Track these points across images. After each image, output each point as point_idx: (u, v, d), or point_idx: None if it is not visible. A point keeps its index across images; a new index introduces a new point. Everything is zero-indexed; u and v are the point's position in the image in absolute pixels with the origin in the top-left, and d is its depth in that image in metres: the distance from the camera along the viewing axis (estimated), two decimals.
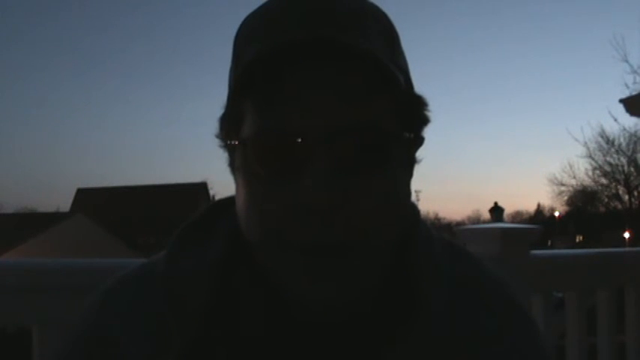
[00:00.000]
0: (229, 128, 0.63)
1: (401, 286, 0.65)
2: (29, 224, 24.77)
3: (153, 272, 0.69)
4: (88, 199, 33.11)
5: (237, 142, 0.62)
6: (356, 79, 0.57)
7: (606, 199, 31.60)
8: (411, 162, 0.66)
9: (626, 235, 29.58)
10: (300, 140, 0.56)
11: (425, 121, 0.65)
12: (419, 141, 0.66)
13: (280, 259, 0.59)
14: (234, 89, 0.59)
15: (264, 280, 0.62)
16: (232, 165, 0.65)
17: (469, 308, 0.68)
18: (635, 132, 24.85)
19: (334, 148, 0.56)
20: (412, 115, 0.64)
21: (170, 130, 69.51)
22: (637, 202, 29.87)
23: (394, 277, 0.65)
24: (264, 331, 0.63)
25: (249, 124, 0.60)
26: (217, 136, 0.66)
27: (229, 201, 0.69)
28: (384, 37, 0.62)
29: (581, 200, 32.51)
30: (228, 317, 0.64)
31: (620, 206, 30.68)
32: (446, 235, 0.77)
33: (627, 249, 4.30)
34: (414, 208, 0.71)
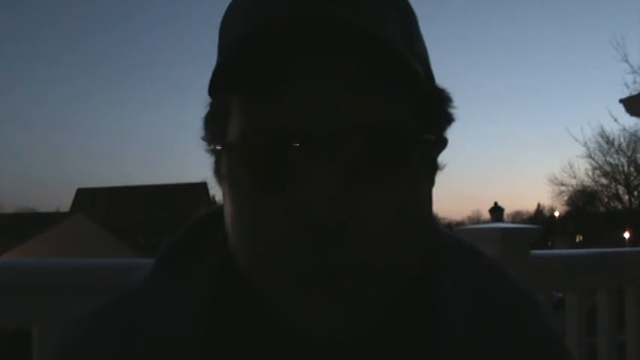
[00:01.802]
0: (213, 129, 0.54)
1: (419, 310, 0.57)
2: (29, 224, 24.77)
3: (136, 303, 0.59)
4: (88, 199, 33.12)
5: (221, 147, 0.52)
6: (366, 70, 0.47)
7: (606, 199, 31.61)
8: (432, 168, 0.56)
9: (626, 235, 29.57)
10: (297, 143, 0.47)
11: (449, 119, 0.56)
12: (442, 143, 0.56)
13: (276, 287, 0.49)
14: (217, 79, 0.48)
15: (260, 307, 0.53)
16: (218, 173, 0.54)
17: (501, 342, 0.58)
18: (635, 132, 24.88)
19: (339, 153, 0.47)
20: (433, 113, 0.54)
21: (170, 130, 69.52)
22: (637, 202, 29.87)
23: (412, 300, 0.56)
24: None
25: (235, 124, 0.50)
26: (203, 139, 0.56)
27: (219, 212, 0.58)
28: (400, 18, 0.53)
29: (581, 200, 32.51)
30: (223, 350, 0.56)
31: (620, 206, 30.67)
32: (468, 243, 0.66)
33: (627, 249, 4.30)
34: (435, 222, 0.61)
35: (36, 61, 63.54)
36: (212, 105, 0.54)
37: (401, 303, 0.54)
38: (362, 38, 0.46)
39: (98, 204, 31.43)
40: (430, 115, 0.54)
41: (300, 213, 0.46)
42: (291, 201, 0.47)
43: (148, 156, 67.94)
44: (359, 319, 0.49)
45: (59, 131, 64.68)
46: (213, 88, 0.48)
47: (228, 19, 0.54)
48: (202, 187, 31.94)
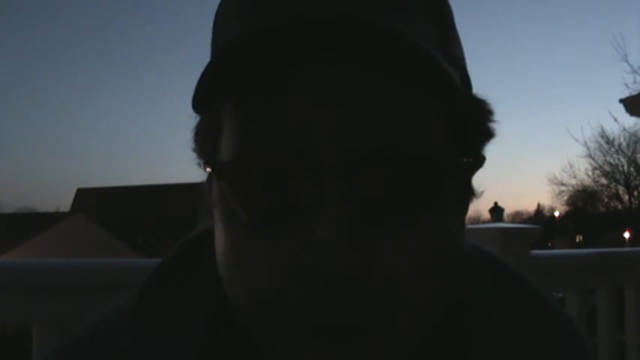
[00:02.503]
0: (203, 143, 0.45)
1: (446, 349, 0.50)
2: (29, 224, 24.79)
3: (113, 336, 0.51)
4: (88, 199, 33.09)
5: (211, 169, 0.44)
6: (389, 81, 0.39)
7: (606, 199, 31.59)
8: (467, 195, 0.47)
9: (626, 235, 29.56)
10: (302, 169, 0.38)
11: (489, 135, 0.46)
12: (479, 163, 0.47)
13: (275, 342, 0.42)
14: (203, 88, 0.39)
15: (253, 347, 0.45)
16: (209, 195, 0.46)
17: None
18: (635, 132, 24.91)
19: (356, 183, 0.38)
20: (472, 130, 0.45)
21: (170, 130, 69.49)
22: (637, 202, 29.87)
23: (440, 340, 0.49)
24: None
25: (227, 140, 0.42)
26: (194, 151, 0.47)
27: (208, 236, 0.50)
28: (431, 14, 0.44)
29: (581, 200, 32.49)
30: None
31: (620, 206, 30.66)
32: (496, 260, 0.59)
33: (627, 249, 4.30)
34: (465, 253, 0.52)
35: (36, 61, 63.56)
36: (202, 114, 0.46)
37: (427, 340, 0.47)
38: (383, 40, 0.37)
39: (98, 204, 31.41)
40: (468, 132, 0.44)
41: (307, 258, 0.38)
42: (295, 243, 0.38)
43: (148, 156, 67.94)
44: None
45: (59, 131, 64.70)
46: (198, 97, 0.40)
47: (222, 15, 0.47)
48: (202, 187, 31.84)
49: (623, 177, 29.40)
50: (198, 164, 0.47)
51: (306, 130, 0.38)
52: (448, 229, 0.42)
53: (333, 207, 0.37)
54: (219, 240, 0.44)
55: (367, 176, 0.38)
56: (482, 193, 0.48)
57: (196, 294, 0.51)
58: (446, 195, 0.41)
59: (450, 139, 0.42)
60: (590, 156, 28.92)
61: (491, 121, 0.46)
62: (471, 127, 0.45)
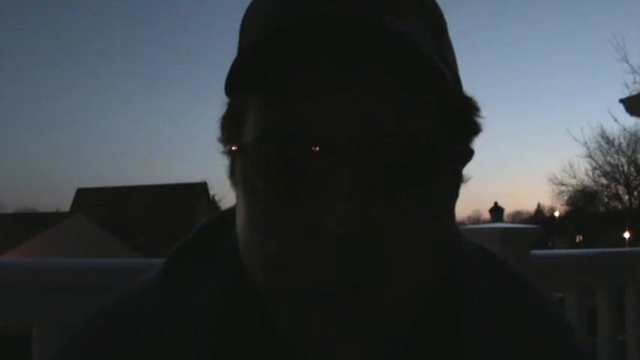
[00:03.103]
0: (230, 130, 0.52)
1: (442, 327, 0.54)
2: (29, 224, 24.78)
3: (142, 304, 0.55)
4: (88, 199, 33.08)
5: (235, 148, 0.50)
6: (392, 75, 0.45)
7: (606, 199, 31.59)
8: (457, 181, 0.54)
9: (626, 235, 29.56)
10: (316, 148, 0.44)
11: (476, 129, 0.54)
12: (468, 154, 0.54)
13: (287, 304, 0.47)
14: (232, 79, 0.46)
15: (272, 325, 0.51)
16: (233, 175, 0.53)
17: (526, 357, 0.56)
18: (635, 132, 24.90)
19: (361, 162, 0.44)
20: (461, 123, 0.52)
21: (170, 130, 69.55)
22: (637, 202, 29.86)
23: (434, 315, 0.54)
24: None
25: (251, 125, 0.48)
26: (219, 140, 0.54)
27: (233, 213, 0.55)
28: (429, 23, 0.51)
29: (581, 200, 32.50)
30: (224, 352, 0.53)
31: (620, 206, 30.66)
32: (490, 251, 0.64)
33: (627, 249, 4.30)
34: (457, 234, 0.59)
35: (35, 61, 63.63)
36: (229, 105, 0.52)
37: (421, 323, 0.53)
38: (390, 41, 0.43)
39: (98, 204, 31.42)
40: (458, 125, 0.51)
41: (318, 225, 0.43)
42: (308, 212, 0.44)
43: (148, 156, 68.00)
44: (374, 341, 0.47)
45: (59, 131, 64.76)
46: (229, 87, 0.46)
47: (248, 18, 0.53)
48: (202, 187, 31.94)
49: (623, 177, 29.41)
50: (222, 152, 0.54)
51: (320, 115, 0.45)
52: (441, 207, 0.49)
53: (342, 182, 0.43)
54: (240, 213, 0.50)
55: (371, 157, 0.44)
56: (469, 179, 0.55)
57: (217, 261, 0.57)
58: (439, 177, 0.48)
59: (442, 128, 0.49)
60: (590, 156, 28.95)
61: (479, 116, 0.53)
62: (461, 119, 0.52)
